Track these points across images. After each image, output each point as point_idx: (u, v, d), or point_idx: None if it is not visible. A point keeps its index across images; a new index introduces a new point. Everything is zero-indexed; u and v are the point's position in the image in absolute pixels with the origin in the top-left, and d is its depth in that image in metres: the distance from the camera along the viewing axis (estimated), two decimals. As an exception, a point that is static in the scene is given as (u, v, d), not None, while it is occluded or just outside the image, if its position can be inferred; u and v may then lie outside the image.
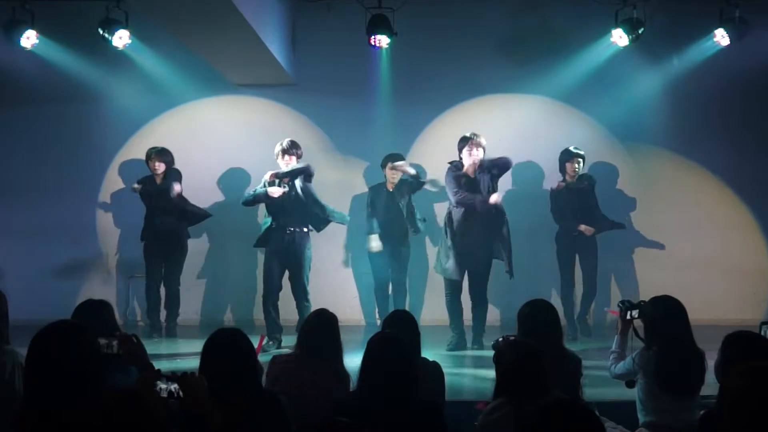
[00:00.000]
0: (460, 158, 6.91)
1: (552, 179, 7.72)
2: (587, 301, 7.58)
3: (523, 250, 7.38)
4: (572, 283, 7.54)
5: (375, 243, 7.43)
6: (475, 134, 6.86)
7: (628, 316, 4.17)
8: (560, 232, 7.55)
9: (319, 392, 3.73)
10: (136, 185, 7.65)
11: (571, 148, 7.50)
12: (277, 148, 6.99)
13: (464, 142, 6.88)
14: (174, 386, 2.79)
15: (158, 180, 7.57)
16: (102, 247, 8.41)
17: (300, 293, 6.95)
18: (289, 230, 6.87)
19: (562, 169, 7.53)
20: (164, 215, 7.48)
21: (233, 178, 8.29)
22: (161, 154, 7.58)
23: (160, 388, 2.77)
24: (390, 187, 7.47)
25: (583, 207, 7.46)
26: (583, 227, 7.39)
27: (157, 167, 7.55)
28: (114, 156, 8.41)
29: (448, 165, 6.98)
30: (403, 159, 7.46)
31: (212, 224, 8.01)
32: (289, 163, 6.93)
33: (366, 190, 7.80)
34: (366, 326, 7.88)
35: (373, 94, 8.12)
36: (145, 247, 7.61)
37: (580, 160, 7.46)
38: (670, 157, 8.23)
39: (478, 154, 6.82)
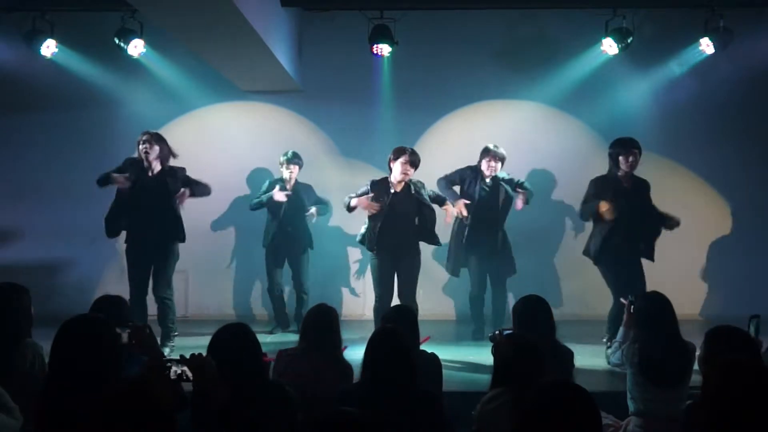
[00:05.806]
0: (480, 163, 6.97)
1: (548, 180, 7.67)
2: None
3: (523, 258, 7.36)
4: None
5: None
6: (496, 146, 6.90)
7: (632, 310, 4.25)
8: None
9: (324, 383, 3.76)
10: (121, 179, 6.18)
11: (625, 138, 6.22)
12: (282, 158, 7.26)
13: (485, 153, 6.92)
14: (183, 368, 2.84)
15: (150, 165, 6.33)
16: (117, 246, 8.40)
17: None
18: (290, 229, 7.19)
19: (615, 164, 6.19)
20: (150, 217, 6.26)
21: (242, 181, 8.31)
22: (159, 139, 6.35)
23: (172, 371, 2.83)
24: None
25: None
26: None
27: (148, 149, 6.27)
28: (128, 159, 8.42)
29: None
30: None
31: (223, 226, 8.11)
32: (292, 173, 7.20)
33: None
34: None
35: (376, 100, 8.14)
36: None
37: (636, 151, 6.15)
38: (658, 161, 8.16)
39: (496, 167, 6.89)
